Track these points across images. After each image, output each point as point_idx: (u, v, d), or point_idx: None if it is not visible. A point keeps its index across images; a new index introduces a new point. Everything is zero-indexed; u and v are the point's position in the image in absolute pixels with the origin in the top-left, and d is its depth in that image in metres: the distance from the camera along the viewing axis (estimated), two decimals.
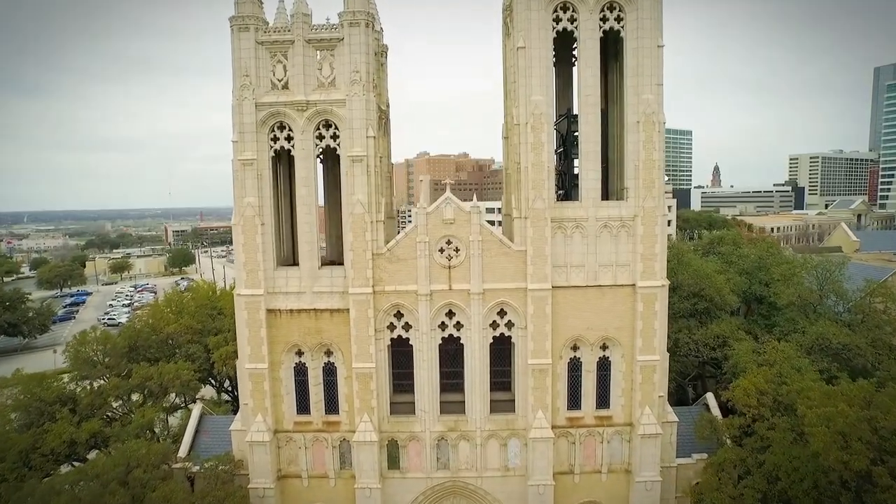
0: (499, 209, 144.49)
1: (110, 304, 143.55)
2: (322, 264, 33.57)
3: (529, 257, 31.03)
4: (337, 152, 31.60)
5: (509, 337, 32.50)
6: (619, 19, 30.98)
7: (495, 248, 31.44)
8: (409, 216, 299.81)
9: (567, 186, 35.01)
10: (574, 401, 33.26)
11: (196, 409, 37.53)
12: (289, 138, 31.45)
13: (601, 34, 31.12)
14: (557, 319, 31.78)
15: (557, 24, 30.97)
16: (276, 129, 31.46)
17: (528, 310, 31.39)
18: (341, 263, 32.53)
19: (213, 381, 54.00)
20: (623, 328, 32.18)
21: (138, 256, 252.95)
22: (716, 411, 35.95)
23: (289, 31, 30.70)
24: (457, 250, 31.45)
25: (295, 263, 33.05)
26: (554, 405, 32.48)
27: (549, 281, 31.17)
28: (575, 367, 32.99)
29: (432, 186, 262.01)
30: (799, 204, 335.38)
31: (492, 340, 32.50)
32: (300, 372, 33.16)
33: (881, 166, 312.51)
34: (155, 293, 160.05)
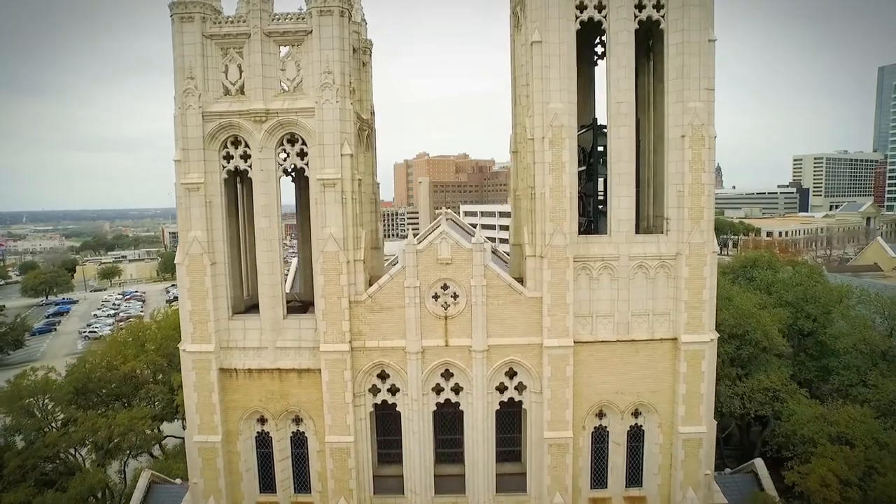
0: (500, 213, 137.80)
1: (94, 315, 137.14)
2: (293, 308, 27.30)
3: (546, 306, 24.76)
4: (305, 173, 25.37)
5: (520, 401, 26.29)
6: (658, 6, 24.67)
7: (503, 294, 25.16)
8: (409, 217, 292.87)
9: (591, 214, 28.68)
10: (599, 478, 27.00)
11: (143, 479, 31.24)
12: (245, 156, 25.18)
13: (635, 25, 24.84)
14: (580, 381, 25.54)
15: (581, 12, 24.66)
16: (229, 144, 25.17)
17: (543, 371, 25.13)
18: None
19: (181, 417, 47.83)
20: (661, 392, 25.91)
21: (130, 260, 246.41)
22: (767, 482, 29.69)
23: (244, 21, 24.38)
24: (455, 297, 25.19)
25: (258, 308, 26.76)
26: (575, 485, 26.20)
27: (571, 335, 24.90)
28: (600, 438, 26.74)
29: (432, 188, 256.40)
30: (803, 206, 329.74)
31: (498, 407, 26.26)
32: (263, 442, 26.89)
33: (888, 167, 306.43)
34: (143, 301, 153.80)
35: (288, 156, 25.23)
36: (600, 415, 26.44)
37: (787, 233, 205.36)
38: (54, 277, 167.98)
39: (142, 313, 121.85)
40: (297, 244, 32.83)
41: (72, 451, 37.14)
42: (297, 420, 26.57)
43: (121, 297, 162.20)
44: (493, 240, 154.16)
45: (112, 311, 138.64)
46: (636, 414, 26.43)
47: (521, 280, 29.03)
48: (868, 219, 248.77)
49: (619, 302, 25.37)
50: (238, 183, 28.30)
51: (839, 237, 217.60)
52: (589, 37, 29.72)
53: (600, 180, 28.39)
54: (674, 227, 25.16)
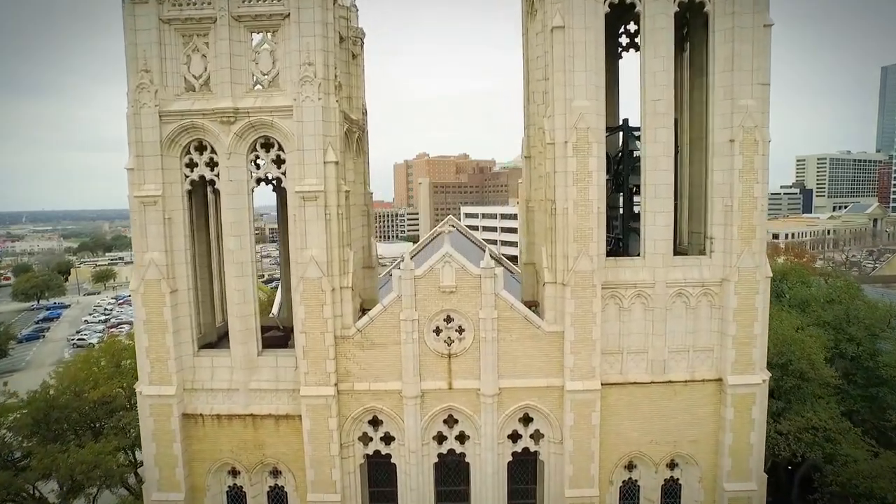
0: (502, 215, 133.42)
1: (85, 321, 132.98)
2: (274, 339, 23.35)
3: (569, 342, 20.83)
4: (283, 183, 21.45)
5: (536, 451, 22.38)
6: None
7: (518, 327, 21.21)
8: (409, 218, 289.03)
9: (621, 231, 24.70)
10: None
11: None
12: (212, 164, 21.26)
13: (675, 7, 20.89)
14: (608, 429, 21.61)
15: None
16: (192, 149, 21.25)
17: (565, 418, 21.20)
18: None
19: None
20: (702, 441, 21.99)
21: (127, 262, 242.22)
22: None
23: (209, 2, 20.43)
24: (460, 331, 21.25)
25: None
26: None
27: (598, 377, 20.97)
28: (630, 494, 22.82)
29: (432, 189, 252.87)
30: (807, 207, 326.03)
31: (510, 458, 22.33)
32: (236, 498, 22.95)
33: (894, 168, 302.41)
34: None
35: (262, 163, 21.30)
36: (630, 466, 22.51)
37: (793, 235, 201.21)
38: (46, 281, 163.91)
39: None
40: (280, 262, 28.93)
41: (29, 487, 33.32)
42: (276, 472, 22.66)
43: (114, 301, 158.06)
44: (493, 242, 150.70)
45: (104, 317, 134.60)
46: (672, 466, 22.50)
47: (534, 304, 25.18)
48: (875, 220, 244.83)
49: (654, 336, 21.44)
50: (211, 192, 24.45)
51: (846, 239, 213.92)
52: (611, 25, 25.77)
53: (621, 191, 24.41)
54: (719, 248, 21.22)
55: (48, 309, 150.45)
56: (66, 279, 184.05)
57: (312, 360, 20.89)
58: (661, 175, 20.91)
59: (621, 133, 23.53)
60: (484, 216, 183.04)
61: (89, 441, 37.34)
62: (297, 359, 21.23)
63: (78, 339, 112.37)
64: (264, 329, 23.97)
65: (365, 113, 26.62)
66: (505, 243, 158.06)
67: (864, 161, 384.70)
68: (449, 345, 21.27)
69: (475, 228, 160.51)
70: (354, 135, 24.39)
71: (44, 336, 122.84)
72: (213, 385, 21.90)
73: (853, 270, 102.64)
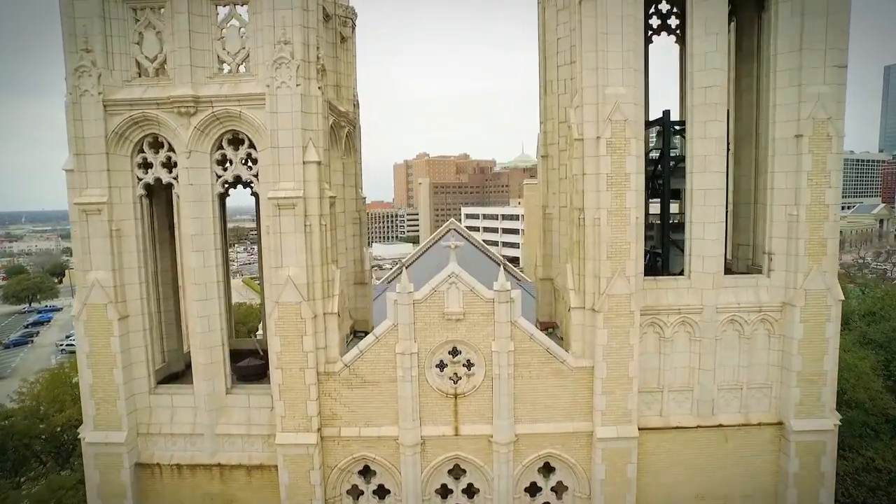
0: (504, 216, 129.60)
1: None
2: (251, 369, 19.70)
3: (600, 380, 17.21)
4: (255, 188, 17.82)
5: None
6: None
7: (538, 361, 17.57)
8: (409, 219, 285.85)
9: (658, 244, 20.99)
10: None
11: None
12: (169, 164, 17.65)
13: None
14: (646, 481, 18.00)
15: None
16: (145, 147, 17.63)
17: (594, 470, 17.58)
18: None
19: None
20: (758, 498, 18.35)
21: None
22: None
23: None
24: (469, 366, 17.62)
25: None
26: None
27: (635, 421, 17.36)
28: None
29: (432, 189, 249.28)
30: None
31: None
32: None
33: None
34: None
35: (228, 164, 17.66)
36: None
37: None
38: (38, 283, 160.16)
39: None
40: (260, 276, 25.30)
41: None
42: None
43: None
44: (494, 243, 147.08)
45: None
46: None
47: (551, 325, 21.63)
48: (881, 221, 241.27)
49: (702, 372, 17.81)
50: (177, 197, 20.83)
51: (852, 240, 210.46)
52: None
53: (659, 196, 20.74)
54: (780, 266, 17.59)
55: (39, 312, 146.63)
56: (60, 281, 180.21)
57: (290, 401, 17.26)
58: (712, 178, 17.26)
59: (662, 128, 19.85)
60: (485, 217, 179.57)
61: (54, 471, 33.81)
62: (272, 397, 17.61)
63: (67, 345, 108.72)
64: (241, 354, 20.40)
65: (357, 105, 22.99)
66: (506, 244, 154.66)
67: (867, 161, 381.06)
68: (455, 382, 17.64)
69: (476, 229, 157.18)
70: (343, 130, 20.76)
71: (32, 341, 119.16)
72: (174, 429, 18.26)
73: (866, 273, 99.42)
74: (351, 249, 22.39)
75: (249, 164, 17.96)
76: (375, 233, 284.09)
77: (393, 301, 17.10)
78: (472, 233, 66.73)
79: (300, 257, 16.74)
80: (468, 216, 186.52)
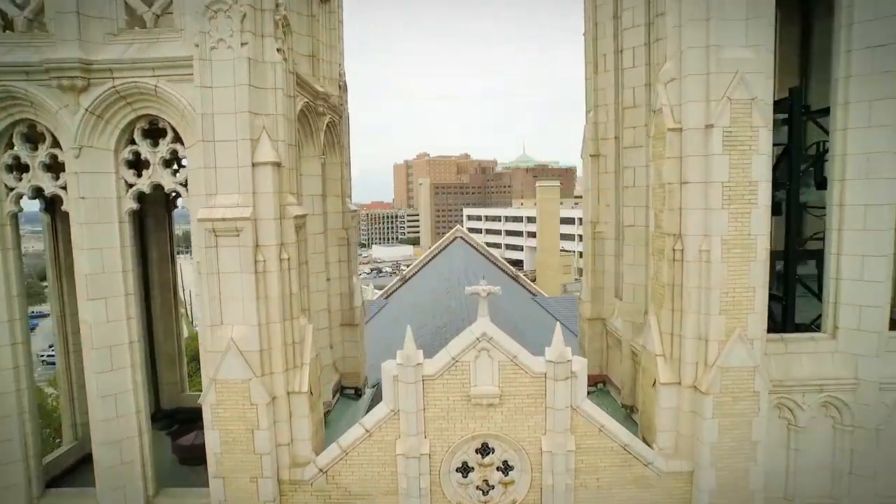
0: (507, 217, 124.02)
1: None
2: (188, 452, 13.85)
3: (706, 492, 11.21)
4: (183, 202, 11.94)
5: None
6: None
7: (610, 465, 11.59)
8: (409, 220, 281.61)
9: (779, 286, 14.88)
10: None
11: None
12: (54, 167, 11.75)
13: None
14: None
15: None
16: (17, 140, 11.74)
17: None
18: None
19: None
20: None
21: None
22: None
23: None
24: (506, 469, 11.69)
25: None
26: None
27: None
28: None
29: (433, 189, 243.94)
30: None
31: None
32: None
33: None
34: None
35: (142, 167, 11.77)
36: None
37: None
38: (25, 288, 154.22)
39: None
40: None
41: None
42: None
43: None
44: (497, 246, 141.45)
45: None
46: None
47: (601, 380, 16.01)
48: None
49: (855, 478, 11.90)
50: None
51: None
52: None
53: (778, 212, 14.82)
54: None
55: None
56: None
57: None
58: (879, 189, 11.34)
59: (790, 113, 13.72)
60: (487, 218, 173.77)
61: None
62: None
63: (48, 356, 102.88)
64: (193, 418, 14.61)
65: (343, 88, 17.14)
66: (511, 247, 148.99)
67: None
68: (485, 493, 11.74)
69: (478, 231, 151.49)
70: (322, 119, 14.86)
71: None
72: None
73: None
74: (336, 280, 16.57)
75: (179, 166, 12.13)
76: (375, 234, 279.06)
77: (392, 377, 11.20)
78: (474, 235, 61.22)
79: (249, 310, 10.86)
80: (470, 217, 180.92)
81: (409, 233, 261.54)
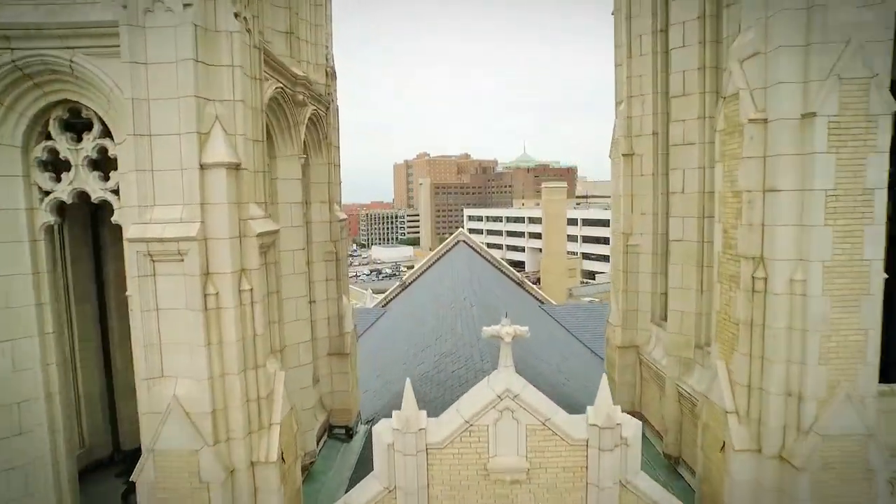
0: (508, 217, 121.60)
1: None
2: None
3: None
4: (114, 214, 9.28)
5: None
6: None
7: None
8: (409, 220, 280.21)
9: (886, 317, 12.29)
10: None
11: None
12: None
13: None
14: None
15: None
16: None
17: None
18: None
19: None
20: None
21: None
22: None
23: None
24: None
25: None
26: None
27: None
28: None
29: (433, 189, 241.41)
30: None
31: None
32: None
33: None
34: None
35: (60, 169, 9.10)
36: None
37: None
38: None
39: None
40: None
41: None
42: None
43: None
44: (499, 247, 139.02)
45: None
46: None
47: (635, 416, 13.21)
48: None
49: None
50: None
51: None
52: None
53: None
54: None
55: None
56: None
57: None
58: None
59: None
60: (488, 219, 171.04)
61: None
62: None
63: None
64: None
65: (331, 75, 14.46)
66: (512, 248, 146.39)
67: None
68: None
69: (479, 231, 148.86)
70: (303, 110, 12.16)
71: None
72: None
73: None
74: (323, 303, 13.91)
75: (98, 168, 9.44)
76: (375, 234, 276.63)
77: (386, 445, 8.51)
78: (474, 235, 58.66)
79: (197, 359, 8.16)
80: (470, 218, 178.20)
81: (409, 233, 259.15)
